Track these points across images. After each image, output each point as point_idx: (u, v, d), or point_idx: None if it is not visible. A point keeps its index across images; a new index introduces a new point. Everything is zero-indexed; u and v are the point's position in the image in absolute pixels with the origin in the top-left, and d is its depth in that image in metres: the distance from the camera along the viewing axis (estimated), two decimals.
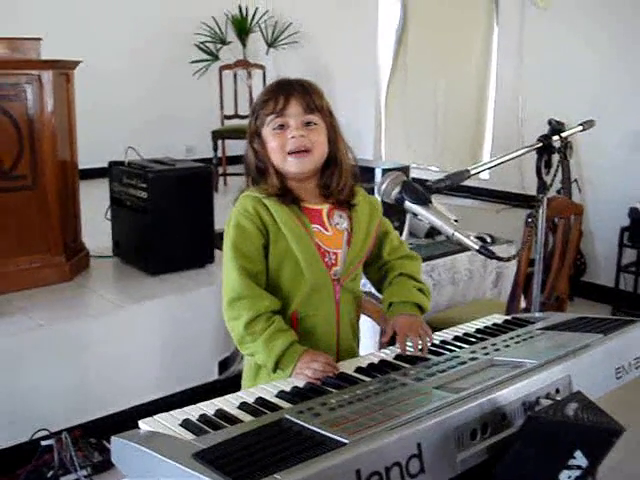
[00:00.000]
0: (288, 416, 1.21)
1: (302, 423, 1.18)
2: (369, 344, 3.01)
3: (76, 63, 3.74)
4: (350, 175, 1.83)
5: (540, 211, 2.17)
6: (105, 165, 4.07)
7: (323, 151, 1.77)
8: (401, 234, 3.38)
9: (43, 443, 2.88)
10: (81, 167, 3.95)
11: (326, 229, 1.80)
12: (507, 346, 1.61)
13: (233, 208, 1.79)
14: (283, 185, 1.77)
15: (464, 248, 1.87)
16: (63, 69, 3.64)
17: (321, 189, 1.81)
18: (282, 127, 1.74)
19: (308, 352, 1.63)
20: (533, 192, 2.27)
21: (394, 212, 3.28)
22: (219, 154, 6.83)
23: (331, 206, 1.82)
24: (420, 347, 1.66)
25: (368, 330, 2.97)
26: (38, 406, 3.00)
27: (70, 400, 3.11)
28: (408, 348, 1.67)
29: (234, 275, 1.71)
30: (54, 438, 2.88)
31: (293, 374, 1.60)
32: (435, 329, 1.82)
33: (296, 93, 1.74)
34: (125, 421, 3.05)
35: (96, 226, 4.13)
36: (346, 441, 1.09)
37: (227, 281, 1.73)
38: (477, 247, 1.56)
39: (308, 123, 1.74)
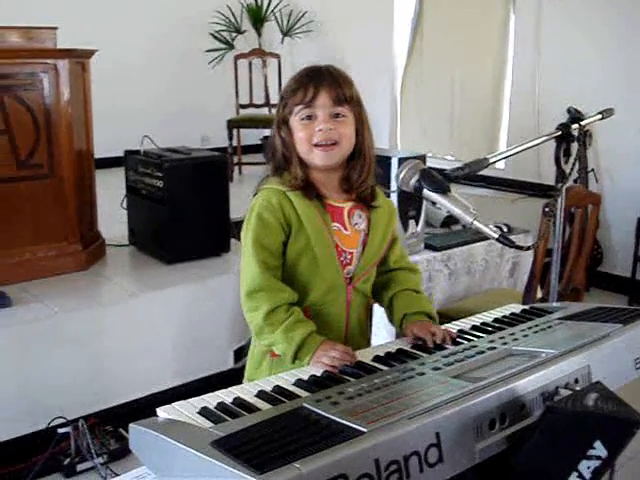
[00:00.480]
0: (306, 405, 1.21)
1: (320, 412, 1.17)
2: (384, 333, 3.00)
3: (92, 52, 3.75)
4: (372, 170, 1.82)
5: (559, 201, 2.15)
6: (121, 154, 4.08)
7: (350, 143, 1.76)
8: (417, 223, 3.37)
9: (60, 431, 2.90)
10: (97, 156, 3.96)
11: (345, 228, 1.80)
12: (526, 336, 1.60)
13: (254, 198, 1.77)
14: (306, 177, 1.76)
15: (480, 237, 1.87)
16: (79, 58, 3.65)
17: (343, 182, 1.80)
18: (310, 118, 1.72)
19: (327, 342, 1.64)
20: (550, 181, 2.27)
21: (411, 201, 3.29)
22: (234, 143, 6.84)
23: (352, 205, 1.82)
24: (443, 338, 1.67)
25: (383, 319, 2.97)
26: (55, 394, 3.02)
27: (86, 388, 3.12)
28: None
29: (254, 267, 1.70)
30: (71, 426, 2.90)
31: (311, 362, 1.60)
32: (451, 319, 1.82)
33: (326, 84, 1.71)
34: (141, 409, 3.06)
35: (112, 215, 4.15)
36: (365, 430, 1.08)
37: (246, 273, 1.73)
38: (496, 236, 1.56)
39: (337, 115, 1.72)
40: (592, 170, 4.99)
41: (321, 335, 1.70)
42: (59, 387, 3.04)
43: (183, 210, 3.72)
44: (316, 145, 1.72)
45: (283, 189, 1.74)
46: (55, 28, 3.63)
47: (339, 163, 1.77)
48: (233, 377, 3.41)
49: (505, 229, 3.70)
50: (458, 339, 1.67)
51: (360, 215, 1.83)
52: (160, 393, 3.32)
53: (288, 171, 1.76)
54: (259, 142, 7.23)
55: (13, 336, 2.97)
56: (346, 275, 1.79)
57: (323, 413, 1.17)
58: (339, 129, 1.72)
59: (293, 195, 1.73)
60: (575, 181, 4.65)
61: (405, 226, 3.30)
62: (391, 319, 1.92)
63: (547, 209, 2.28)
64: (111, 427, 3.06)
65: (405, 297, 1.89)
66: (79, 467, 2.86)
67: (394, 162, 3.08)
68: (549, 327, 1.67)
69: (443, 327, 1.75)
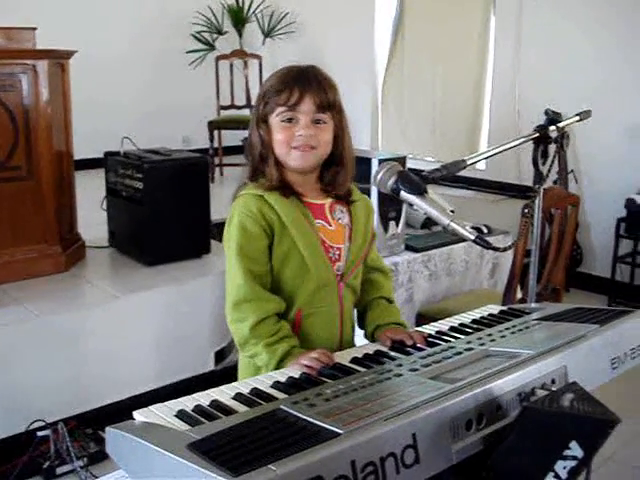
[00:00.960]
0: (283, 407, 1.21)
1: (297, 414, 1.17)
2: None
3: (71, 53, 3.73)
4: (352, 174, 1.83)
5: (536, 202, 2.16)
6: (101, 155, 4.05)
7: (327, 149, 1.76)
8: (398, 225, 3.38)
9: (39, 434, 2.88)
10: (77, 157, 3.94)
11: (329, 224, 1.80)
12: (503, 336, 1.60)
13: (234, 204, 1.76)
14: (282, 177, 1.75)
15: (460, 239, 1.87)
16: (58, 59, 3.62)
17: (322, 185, 1.81)
18: (291, 121, 1.71)
19: (308, 350, 1.63)
20: (530, 183, 2.27)
21: (391, 203, 3.29)
22: (215, 144, 6.82)
23: (332, 201, 1.82)
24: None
25: None
26: (34, 397, 3.00)
27: (66, 390, 3.10)
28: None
29: (240, 278, 1.69)
30: (50, 429, 2.88)
31: (290, 367, 1.58)
32: (431, 319, 1.83)
33: (311, 89, 1.70)
34: (121, 412, 3.03)
35: (92, 217, 4.12)
36: (341, 431, 1.08)
37: (232, 283, 1.71)
38: (473, 237, 1.55)
39: (317, 121, 1.72)
40: (572, 171, 5.02)
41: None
42: (38, 390, 3.01)
43: (163, 212, 3.70)
44: (294, 147, 1.72)
45: (260, 192, 1.73)
46: (34, 29, 3.60)
47: (314, 166, 1.77)
48: (214, 379, 3.41)
49: (485, 230, 3.72)
50: (436, 340, 1.67)
51: (342, 210, 1.83)
52: (140, 395, 3.30)
53: (263, 173, 1.76)
54: (240, 143, 7.20)
55: None
56: (336, 272, 1.78)
57: (299, 415, 1.17)
58: (319, 136, 1.72)
59: (271, 196, 1.72)
60: (555, 182, 4.68)
61: (385, 227, 3.31)
62: (361, 324, 1.93)
63: (526, 210, 2.29)
64: (91, 430, 3.04)
65: (378, 307, 1.90)
66: (59, 470, 2.84)
67: (374, 163, 3.08)
68: (526, 328, 1.67)
69: (418, 329, 1.77)
